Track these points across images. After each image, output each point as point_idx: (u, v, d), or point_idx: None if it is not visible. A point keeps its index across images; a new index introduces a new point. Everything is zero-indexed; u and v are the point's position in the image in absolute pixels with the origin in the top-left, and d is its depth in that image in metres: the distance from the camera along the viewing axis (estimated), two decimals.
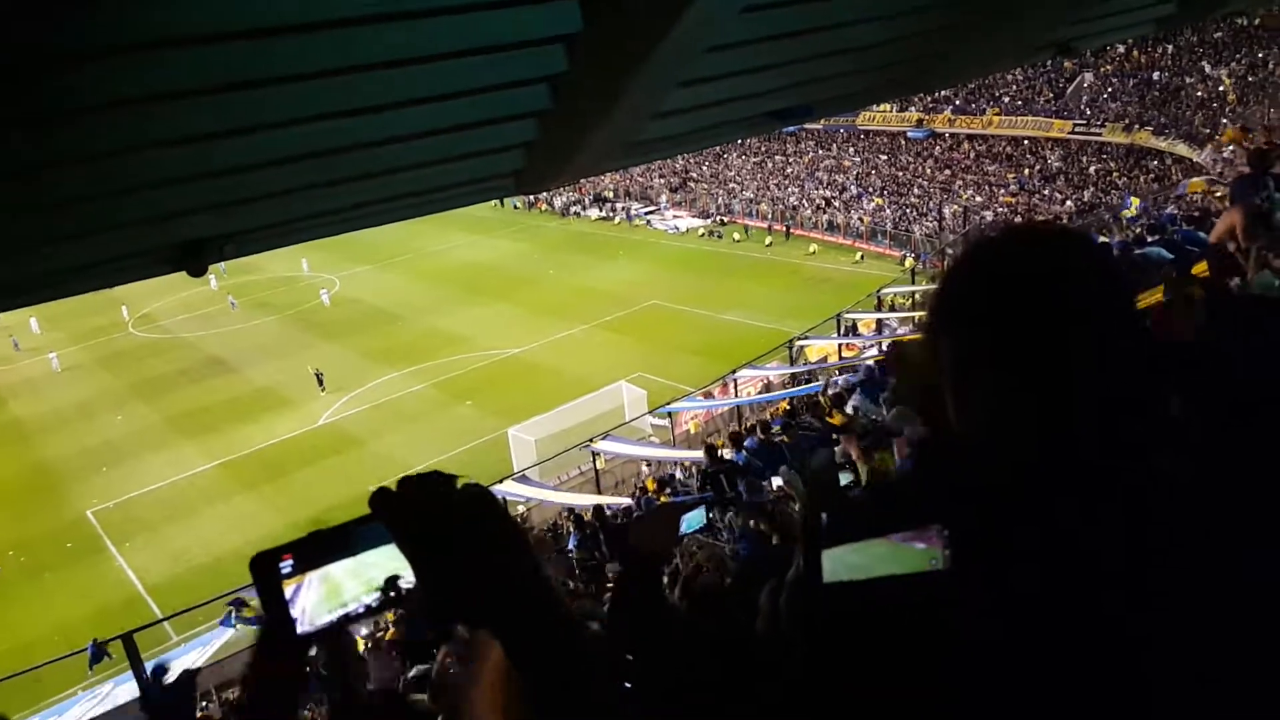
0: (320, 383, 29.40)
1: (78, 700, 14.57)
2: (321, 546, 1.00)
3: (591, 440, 18.85)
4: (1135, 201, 27.48)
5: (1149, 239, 10.08)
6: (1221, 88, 33.64)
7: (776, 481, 6.86)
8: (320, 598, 1.01)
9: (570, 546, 10.30)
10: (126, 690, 13.80)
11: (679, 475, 16.53)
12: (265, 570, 0.98)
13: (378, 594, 1.01)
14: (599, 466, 19.38)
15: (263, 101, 2.40)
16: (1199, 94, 34.30)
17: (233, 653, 12.32)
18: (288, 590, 0.99)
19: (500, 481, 17.29)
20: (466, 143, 3.45)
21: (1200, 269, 6.32)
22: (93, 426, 28.46)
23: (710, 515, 7.68)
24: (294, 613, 1.00)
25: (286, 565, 0.99)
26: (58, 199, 2.66)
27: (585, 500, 17.23)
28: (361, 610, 1.02)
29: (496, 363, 30.88)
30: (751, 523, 6.30)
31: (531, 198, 53.32)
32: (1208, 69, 34.92)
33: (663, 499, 12.08)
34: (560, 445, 20.28)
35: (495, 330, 33.83)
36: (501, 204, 53.91)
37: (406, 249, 46.99)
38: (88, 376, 33.51)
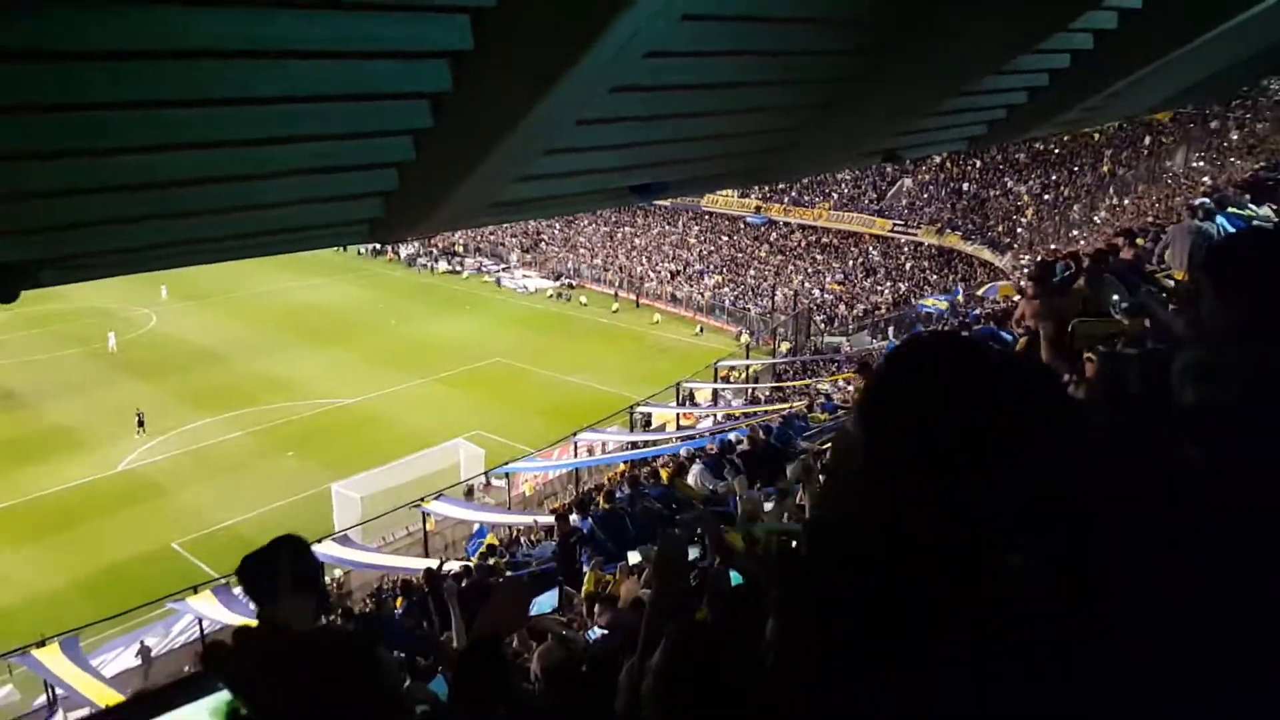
0: (141, 424, 26.89)
1: None
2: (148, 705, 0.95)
3: (423, 500, 18.11)
4: (944, 304, 30.22)
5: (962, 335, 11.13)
6: (1020, 202, 38.06)
7: (634, 558, 6.85)
8: None
9: (397, 613, 9.76)
10: None
11: (522, 541, 16.19)
12: None
13: None
14: (429, 528, 18.61)
15: (104, 124, 2.22)
16: (1002, 206, 38.63)
17: None
18: None
19: (318, 542, 16.20)
20: (324, 187, 3.34)
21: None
22: None
23: (561, 594, 7.52)
24: None
25: None
26: None
27: (412, 564, 16.46)
28: None
29: (325, 412, 29.28)
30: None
31: (378, 245, 51.81)
32: (1010, 184, 39.47)
33: (496, 563, 11.74)
34: (389, 503, 19.34)
35: (327, 378, 32.17)
36: (344, 249, 52.02)
37: (237, 286, 44.10)
38: None
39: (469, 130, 3.27)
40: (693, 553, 4.98)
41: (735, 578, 2.85)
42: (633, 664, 1.60)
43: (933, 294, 34.33)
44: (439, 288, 48.66)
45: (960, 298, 30.46)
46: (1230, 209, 9.40)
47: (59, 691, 12.68)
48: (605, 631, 5.08)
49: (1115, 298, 4.95)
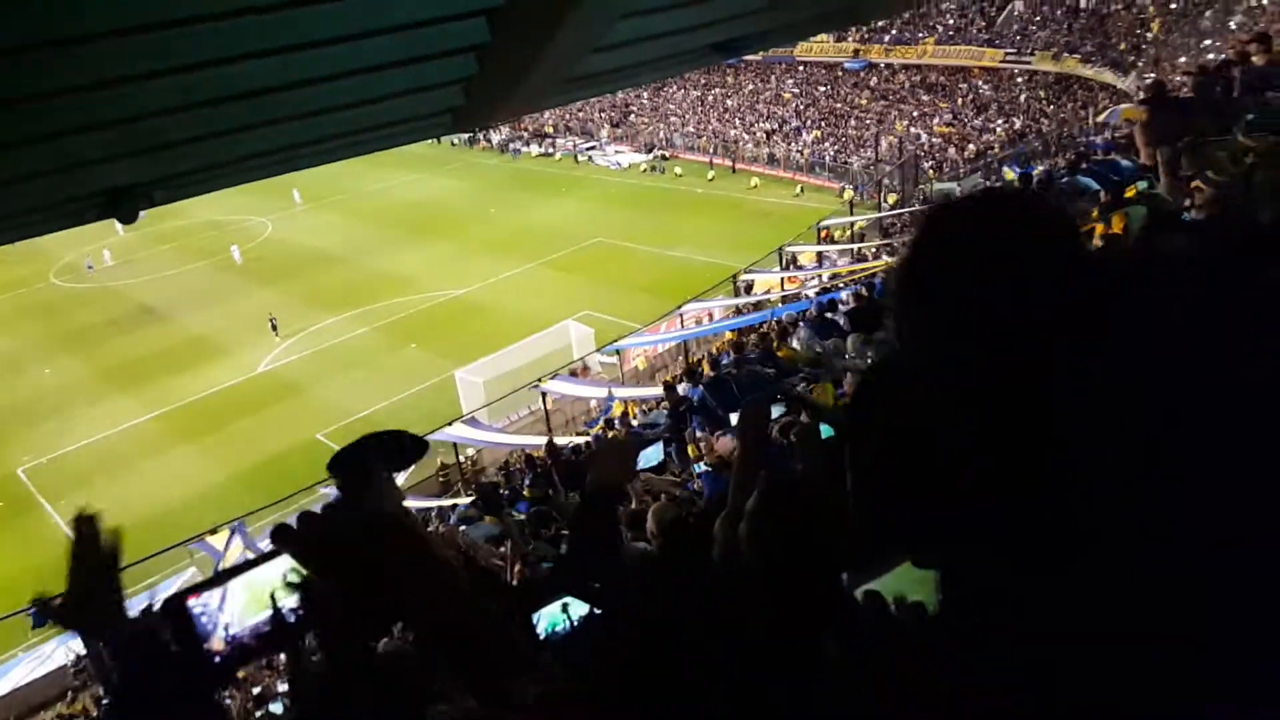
0: (274, 328, 28.74)
1: (18, 662, 14.39)
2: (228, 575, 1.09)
3: (540, 380, 18.85)
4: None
5: (1082, 166, 10.36)
6: (1145, 14, 34.14)
7: (735, 419, 7.00)
8: (244, 604, 1.09)
9: (525, 483, 10.39)
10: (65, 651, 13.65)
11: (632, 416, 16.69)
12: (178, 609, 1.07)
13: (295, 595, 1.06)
14: (548, 406, 19.43)
15: (179, 42, 2.30)
16: (1123, 22, 34.78)
17: None
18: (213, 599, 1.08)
19: (449, 424, 17.23)
20: (402, 80, 3.36)
21: (1131, 193, 6.56)
22: (19, 382, 27.39)
23: (668, 451, 7.80)
24: (222, 620, 1.08)
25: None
26: None
27: (536, 440, 17.32)
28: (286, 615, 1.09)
29: (440, 304, 30.45)
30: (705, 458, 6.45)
31: (471, 134, 51.93)
32: None
33: (613, 434, 12.23)
34: (509, 386, 20.23)
35: (438, 271, 33.24)
36: (438, 141, 52.41)
37: (341, 189, 45.46)
38: (11, 329, 32.08)
39: (540, 3, 3.19)
40: (776, 410, 5.06)
41: (826, 430, 2.90)
42: (726, 514, 1.69)
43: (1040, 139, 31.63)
44: (533, 171, 48.66)
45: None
46: None
47: None
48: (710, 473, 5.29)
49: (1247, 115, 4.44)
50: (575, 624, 2.55)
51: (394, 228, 39.73)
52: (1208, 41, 29.23)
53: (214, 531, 14.17)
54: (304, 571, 0.98)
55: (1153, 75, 27.22)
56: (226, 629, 1.13)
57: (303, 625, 1.06)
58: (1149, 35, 33.11)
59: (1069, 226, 0.92)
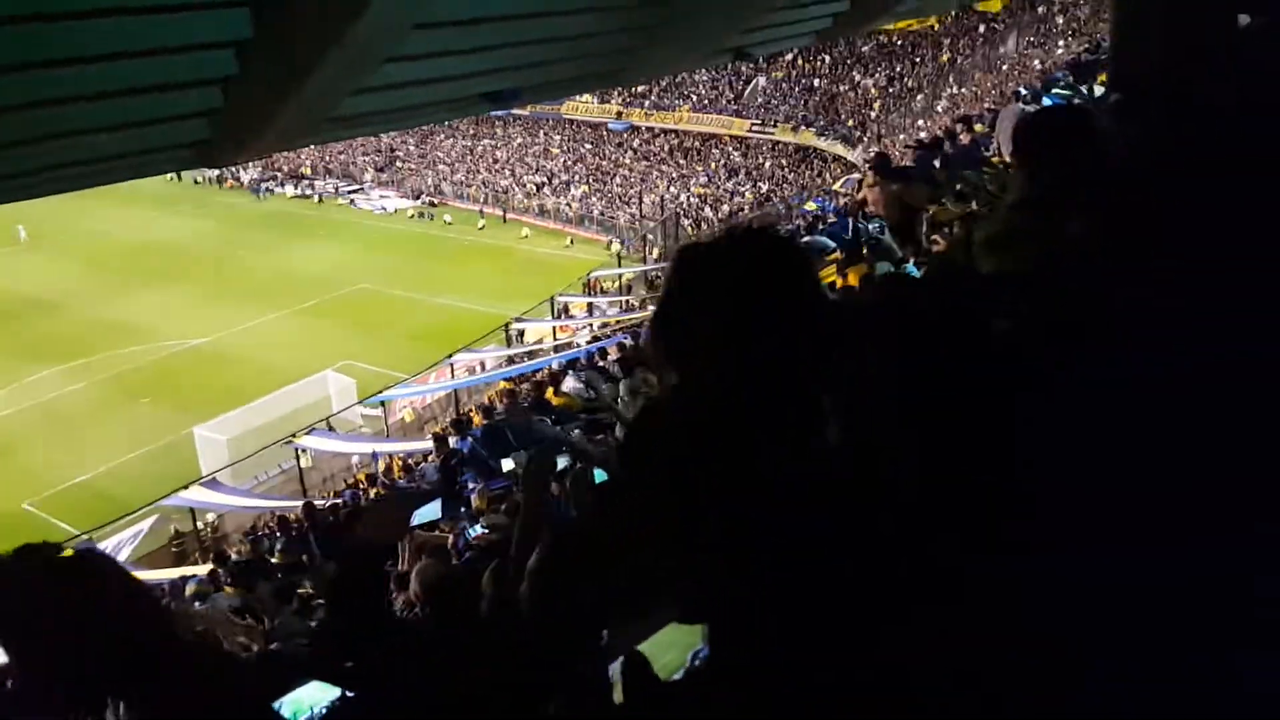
0: None
1: None
2: None
3: (294, 436, 17.50)
4: (810, 205, 31.03)
5: (818, 229, 11.57)
6: (869, 95, 39.13)
7: (507, 465, 6.89)
8: None
9: (277, 549, 9.54)
10: None
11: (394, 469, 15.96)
12: None
13: None
14: (303, 464, 18.06)
15: None
16: (850, 102, 39.59)
17: None
18: None
19: (185, 488, 15.49)
20: (143, 108, 3.07)
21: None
22: None
23: (445, 507, 7.51)
24: None
25: None
26: None
27: (288, 503, 16.03)
28: None
29: (177, 354, 27.47)
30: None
31: (219, 172, 47.94)
32: (858, 78, 40.42)
33: (375, 493, 11.61)
34: (258, 443, 18.59)
35: (175, 318, 30.02)
36: (178, 178, 47.87)
37: (64, 227, 39.92)
38: None
39: (294, 37, 3.05)
40: (562, 462, 5.12)
41: (600, 475, 2.96)
42: (496, 566, 1.66)
43: (808, 195, 35.04)
44: (289, 213, 45.76)
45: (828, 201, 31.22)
46: (1055, 90, 10.02)
47: None
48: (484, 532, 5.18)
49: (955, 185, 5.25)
50: (324, 712, 2.36)
51: (125, 271, 35.50)
52: (920, 121, 34.03)
53: None
54: None
55: (875, 149, 31.10)
56: None
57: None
58: (871, 114, 37.86)
59: (804, 258, 1.02)
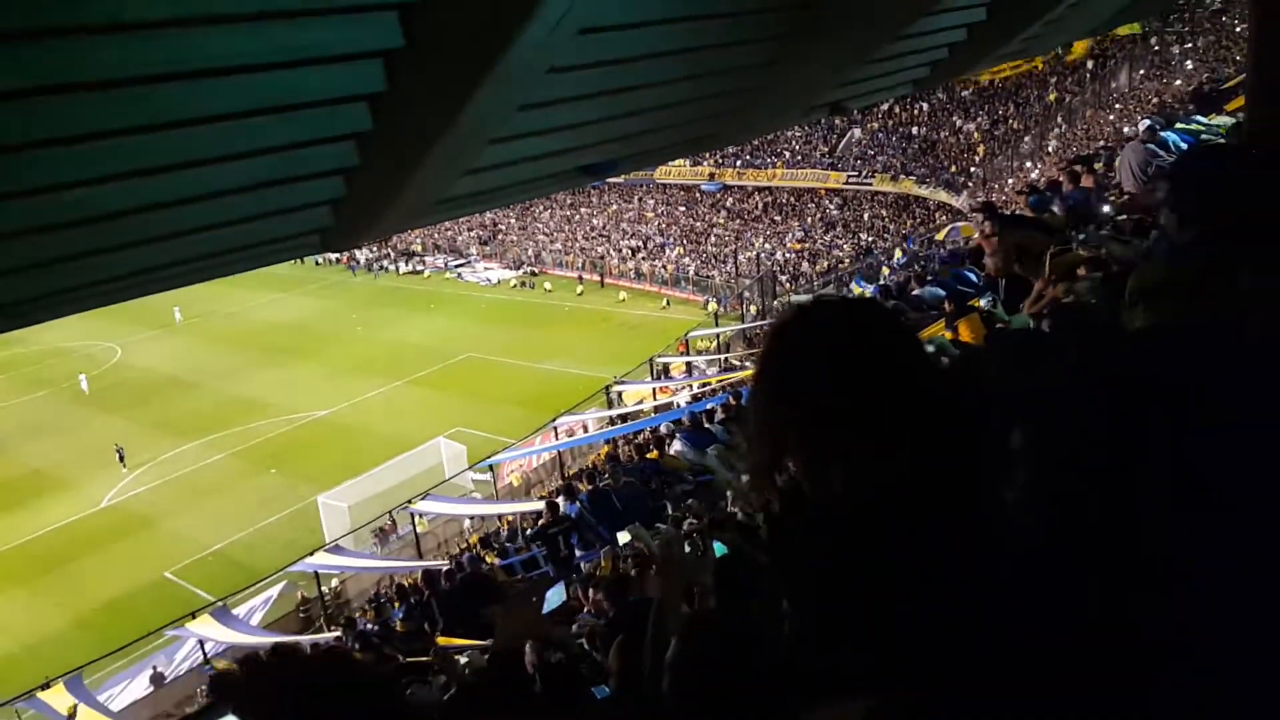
0: (121, 459, 26.54)
1: None
2: None
3: (410, 501, 18.06)
4: (898, 253, 30.49)
5: (927, 279, 11.25)
6: (971, 140, 38.34)
7: (623, 538, 6.84)
8: None
9: (397, 619, 9.76)
10: None
11: (503, 532, 16.19)
12: None
13: None
14: (419, 529, 18.59)
15: (32, 162, 2.16)
16: (953, 146, 38.88)
17: None
18: None
19: (311, 554, 16.14)
20: (269, 201, 3.28)
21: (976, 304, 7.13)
22: None
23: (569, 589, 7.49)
24: None
25: None
26: None
27: (408, 564, 16.46)
28: None
29: (302, 426, 29.01)
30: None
31: (335, 254, 51.11)
32: (959, 123, 39.72)
33: (489, 558, 11.75)
34: (376, 509, 19.28)
35: (299, 392, 31.82)
36: (301, 260, 51.20)
37: (198, 310, 43.33)
38: None
39: (410, 128, 3.22)
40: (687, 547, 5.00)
41: (719, 548, 2.88)
42: (621, 640, 1.61)
43: (893, 246, 34.49)
44: (401, 289, 48.17)
45: (916, 245, 30.60)
46: (1178, 124, 9.52)
47: None
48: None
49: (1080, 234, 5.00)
50: None
51: (252, 349, 38.02)
52: (1029, 164, 33.04)
53: (46, 686, 12.51)
54: None
55: (981, 195, 30.31)
56: None
57: None
58: (975, 158, 37.04)
59: (905, 328, 0.97)
